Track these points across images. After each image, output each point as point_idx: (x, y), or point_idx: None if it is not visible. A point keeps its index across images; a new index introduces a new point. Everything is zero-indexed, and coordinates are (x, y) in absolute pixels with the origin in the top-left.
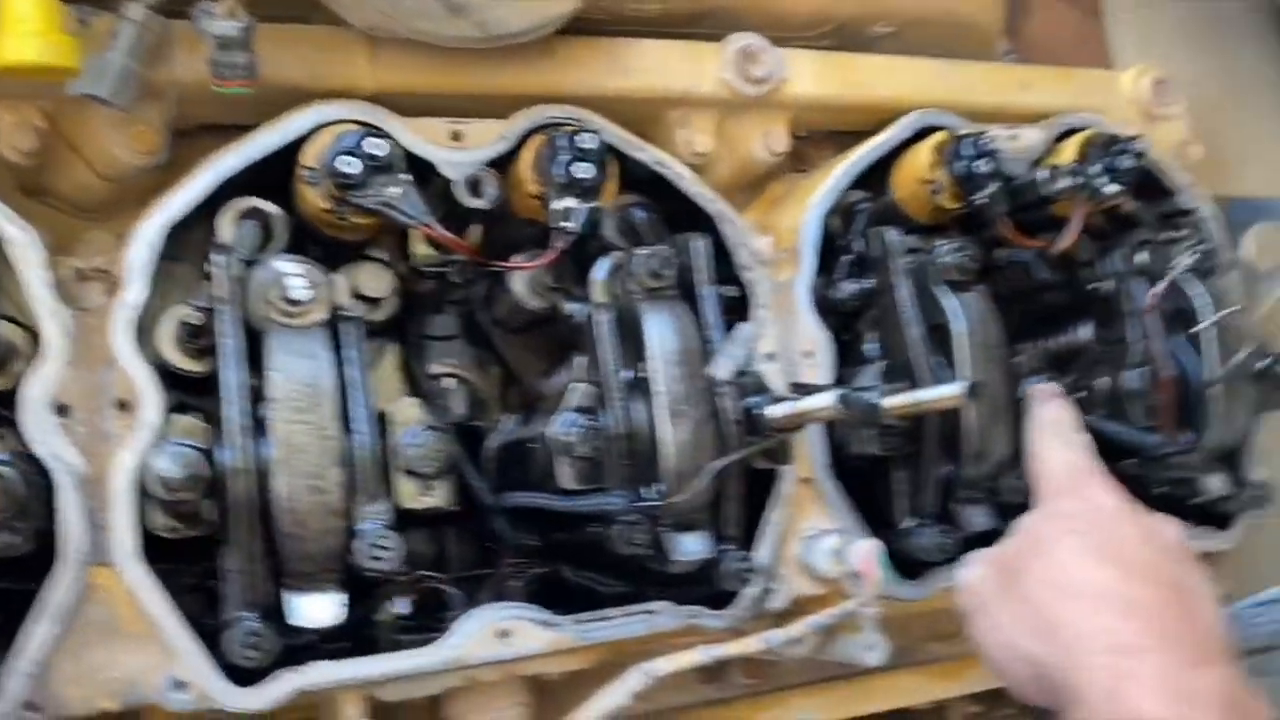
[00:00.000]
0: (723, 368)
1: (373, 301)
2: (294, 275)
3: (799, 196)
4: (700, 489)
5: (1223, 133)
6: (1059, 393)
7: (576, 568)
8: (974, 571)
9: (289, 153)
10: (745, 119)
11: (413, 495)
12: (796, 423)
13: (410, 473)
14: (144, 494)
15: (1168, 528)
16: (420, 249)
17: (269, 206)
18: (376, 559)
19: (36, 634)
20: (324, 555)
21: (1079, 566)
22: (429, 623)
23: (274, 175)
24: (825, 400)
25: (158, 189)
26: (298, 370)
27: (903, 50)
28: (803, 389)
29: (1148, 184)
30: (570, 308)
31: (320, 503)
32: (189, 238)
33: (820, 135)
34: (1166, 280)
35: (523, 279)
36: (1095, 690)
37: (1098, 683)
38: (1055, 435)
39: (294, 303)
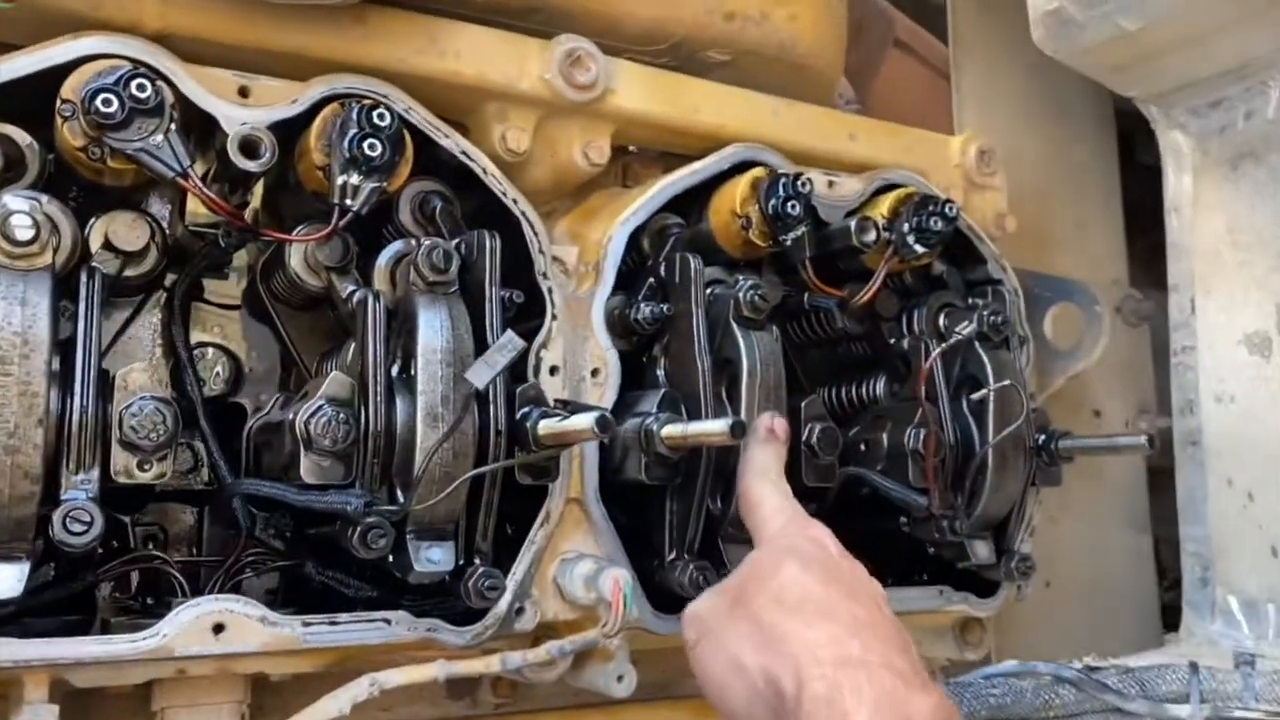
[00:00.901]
0: (480, 375)
1: (129, 255)
2: (19, 213)
3: (612, 211)
4: (447, 497)
5: (1044, 210)
6: (778, 429)
7: (322, 566)
8: (700, 602)
9: (56, 83)
10: (567, 123)
11: (126, 469)
12: (560, 440)
13: (126, 444)
14: None
15: (873, 580)
16: (195, 206)
17: (19, 135)
18: (71, 533)
19: None
20: (13, 522)
21: (804, 584)
22: (154, 607)
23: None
24: (584, 421)
25: None
26: (8, 316)
27: (737, 82)
28: (570, 406)
29: (959, 249)
30: (347, 290)
31: (14, 464)
32: None
33: (651, 154)
34: (949, 343)
35: (299, 253)
36: (817, 701)
37: (820, 694)
38: (765, 478)
39: (16, 243)
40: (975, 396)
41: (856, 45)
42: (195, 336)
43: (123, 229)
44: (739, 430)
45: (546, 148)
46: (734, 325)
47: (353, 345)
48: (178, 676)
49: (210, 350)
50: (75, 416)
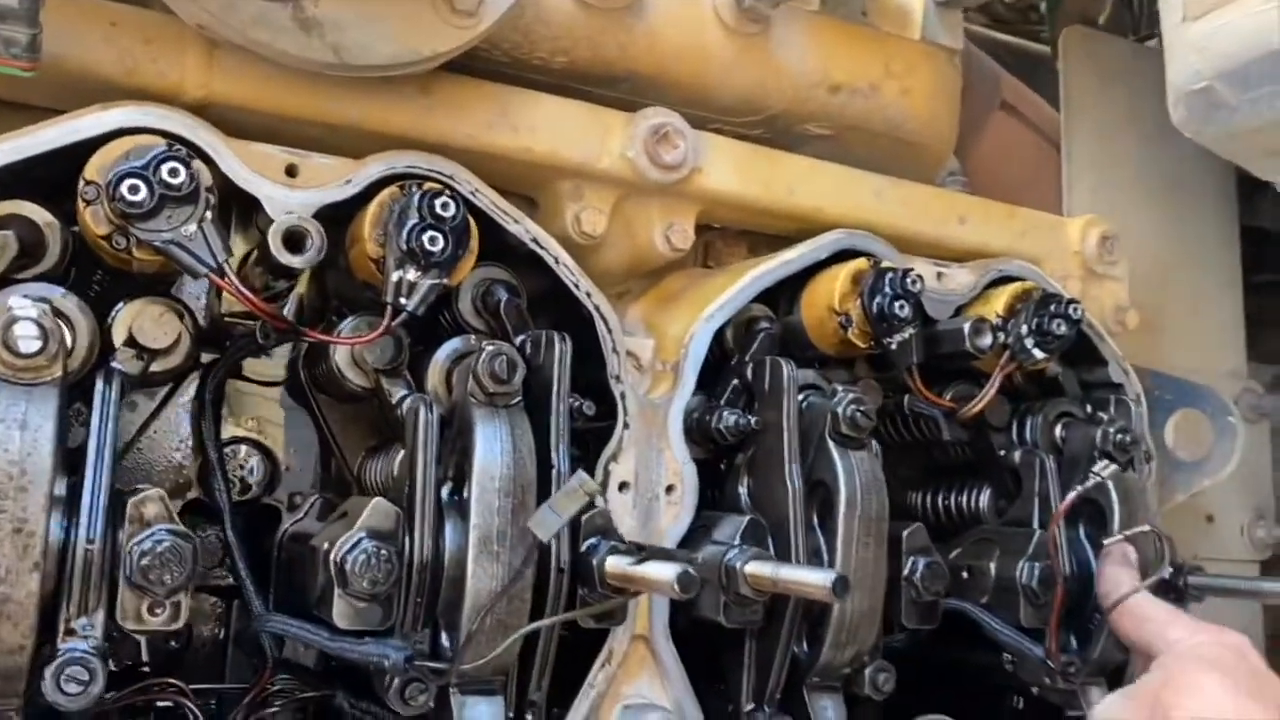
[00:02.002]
0: (546, 526)
1: (155, 353)
2: (24, 320)
3: (695, 300)
4: (499, 655)
5: (1158, 294)
6: (1130, 554)
7: (355, 697)
8: (1110, 708)
9: (83, 157)
10: (648, 204)
11: (135, 614)
12: (631, 585)
13: (136, 586)
14: None
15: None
16: (225, 297)
17: (39, 214)
18: (66, 693)
19: None
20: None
21: (1229, 698)
22: None
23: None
24: (664, 574)
25: None
26: (4, 443)
27: (836, 157)
28: (645, 551)
29: (1076, 347)
30: (398, 394)
31: (3, 614)
32: None
33: (734, 230)
34: (1087, 486)
35: (346, 350)
36: None
37: None
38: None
39: (20, 355)
40: (1109, 542)
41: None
42: (228, 430)
43: (149, 324)
44: (842, 589)
45: (624, 229)
46: (830, 443)
47: (399, 455)
48: None
49: (244, 447)
50: (79, 552)
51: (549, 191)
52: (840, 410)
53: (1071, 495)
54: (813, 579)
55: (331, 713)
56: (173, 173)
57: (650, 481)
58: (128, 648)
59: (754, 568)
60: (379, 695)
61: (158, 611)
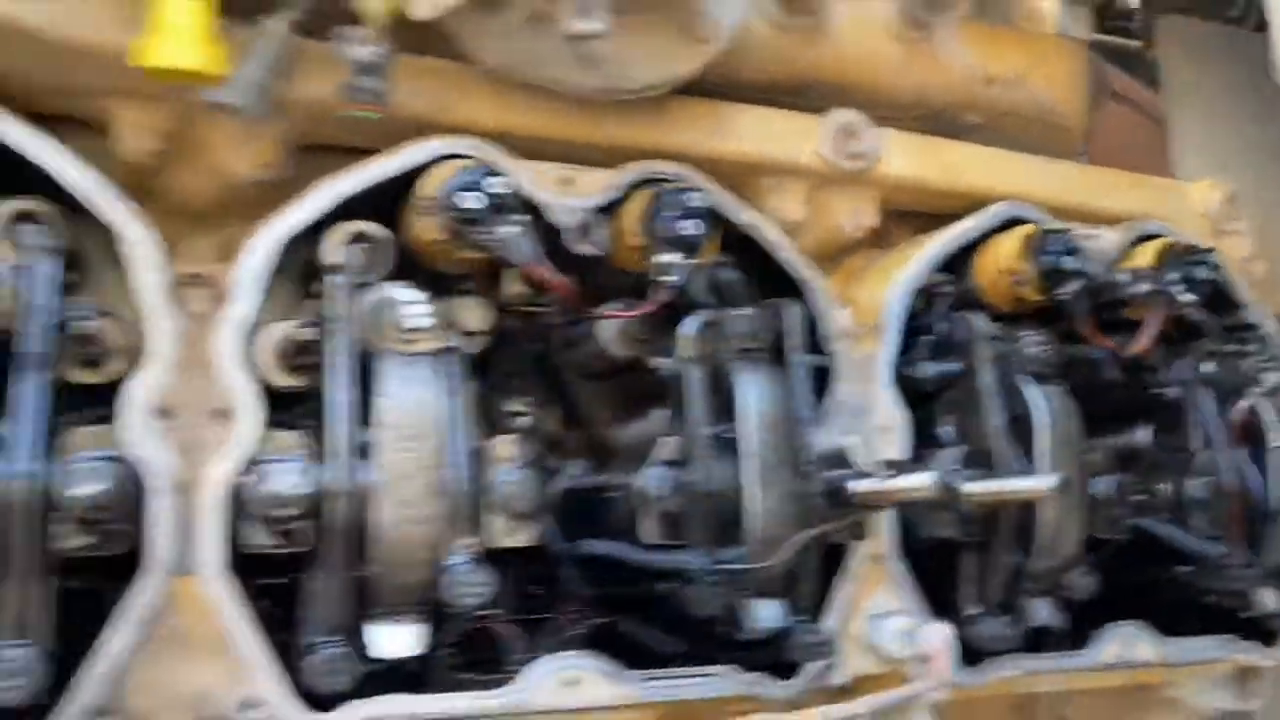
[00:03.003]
0: (828, 437)
1: (468, 335)
2: (413, 303)
3: (883, 272)
4: (786, 558)
5: (1273, 252)
6: None
7: (636, 622)
8: None
9: (399, 181)
10: (836, 193)
11: (503, 533)
12: (882, 500)
13: (503, 510)
14: (239, 507)
15: None
16: (514, 288)
17: (378, 231)
18: (465, 596)
19: (116, 640)
20: (414, 586)
21: None
22: (482, 663)
23: (379, 202)
24: (923, 480)
25: (263, 203)
26: (408, 398)
27: (990, 143)
28: (895, 466)
29: (1214, 295)
30: (658, 361)
31: (418, 533)
32: (287, 257)
33: (898, 214)
34: (1251, 400)
35: (612, 327)
36: None
37: None
38: None
39: (410, 330)
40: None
41: None
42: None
43: (469, 313)
44: (1064, 486)
45: (815, 216)
46: (1024, 380)
47: (661, 412)
48: None
49: (518, 417)
50: (459, 487)
51: (753, 187)
52: (1031, 351)
53: (1241, 405)
54: (1035, 483)
55: (610, 636)
56: (498, 185)
57: (867, 425)
58: None
59: (977, 486)
60: (659, 616)
61: (518, 532)
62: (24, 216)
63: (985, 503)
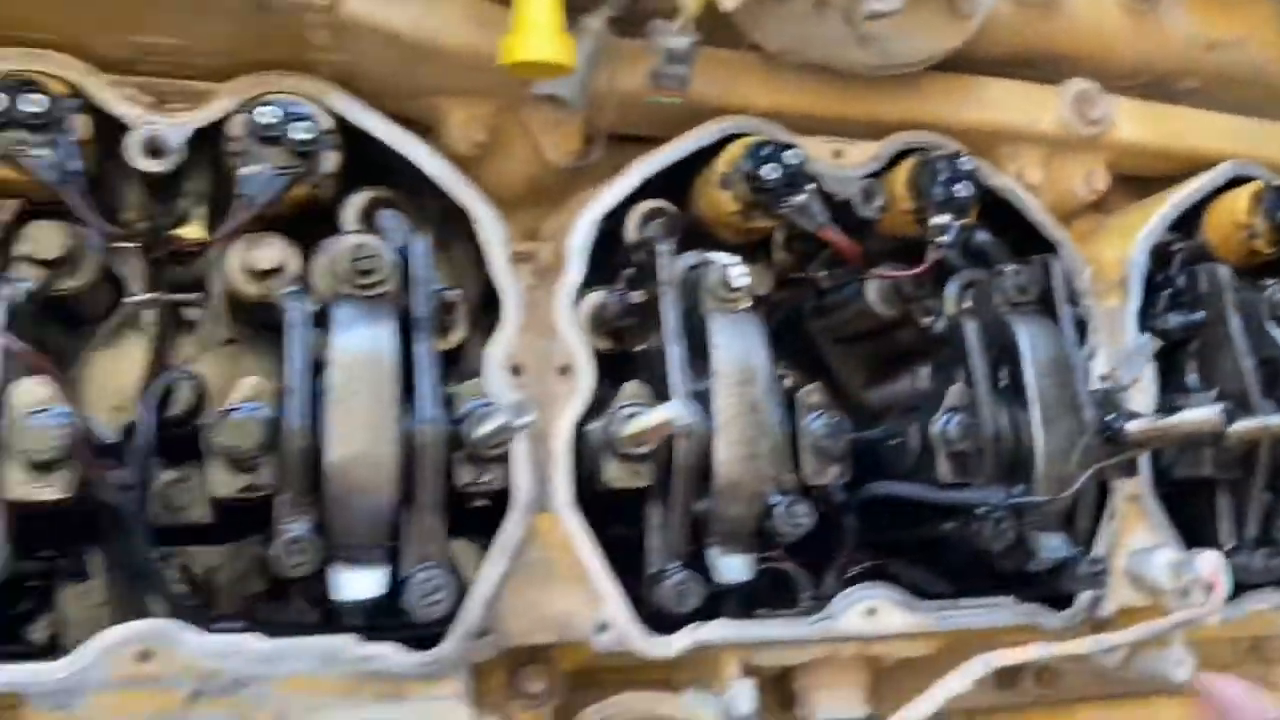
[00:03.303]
0: (1128, 374)
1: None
2: (735, 265)
3: (1118, 231)
4: (1071, 493)
5: None
6: None
7: (908, 563)
8: None
9: (685, 162)
10: (1070, 157)
11: (815, 473)
12: (1161, 438)
13: (813, 451)
14: (596, 449)
15: None
16: (780, 256)
17: (670, 207)
18: (792, 527)
19: (490, 569)
20: (749, 518)
21: None
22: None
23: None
24: (1208, 414)
25: (563, 189)
26: (736, 349)
27: (1204, 106)
28: (1172, 408)
29: None
30: (928, 319)
31: (753, 470)
32: None
33: (1117, 178)
34: None
35: (876, 288)
36: None
37: None
38: None
39: (733, 289)
40: None
41: None
42: None
43: (756, 278)
44: None
45: (1050, 180)
46: (1270, 325)
47: (924, 368)
48: (824, 658)
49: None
50: (777, 430)
51: (994, 154)
52: (1277, 297)
53: None
54: None
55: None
56: (793, 157)
57: (1117, 376)
58: None
59: (1247, 422)
60: (930, 555)
61: (825, 472)
62: (380, 202)
63: (1248, 439)
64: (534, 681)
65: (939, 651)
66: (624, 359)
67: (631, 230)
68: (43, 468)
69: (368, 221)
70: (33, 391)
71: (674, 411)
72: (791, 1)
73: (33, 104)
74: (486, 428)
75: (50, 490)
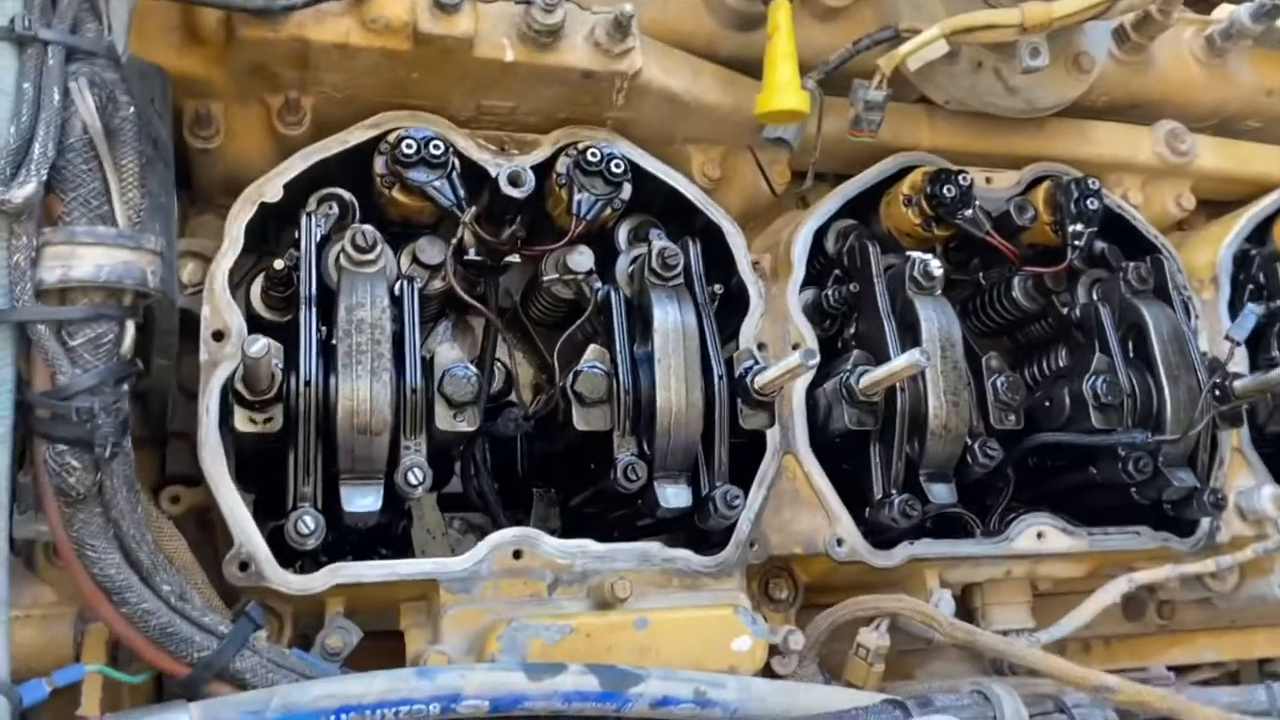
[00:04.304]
0: (1239, 333)
1: None
2: (932, 259)
3: (1207, 241)
4: (1195, 433)
5: None
6: None
7: (1053, 509)
8: None
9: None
10: (1164, 182)
11: (998, 420)
12: (1258, 390)
13: (998, 403)
14: (830, 402)
15: None
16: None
17: (856, 226)
18: (986, 459)
19: (754, 496)
20: (953, 453)
21: None
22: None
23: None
24: None
25: (769, 215)
26: (938, 322)
27: (1263, 141)
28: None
29: None
30: (1066, 308)
31: (957, 415)
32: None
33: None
34: None
35: (1021, 285)
36: None
37: None
38: None
39: (932, 277)
40: None
41: None
42: None
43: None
44: None
45: (1147, 201)
46: None
47: (1063, 348)
48: (1000, 578)
49: None
50: (970, 384)
51: (1103, 181)
52: None
53: None
54: None
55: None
56: (963, 180)
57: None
58: None
59: None
60: (1065, 499)
61: (1007, 420)
62: (646, 224)
63: None
64: (781, 590)
65: (1086, 576)
66: (829, 343)
67: (831, 242)
68: (459, 407)
69: (637, 238)
70: (448, 352)
71: (914, 357)
72: (956, 63)
73: (436, 151)
74: (769, 375)
75: (465, 424)
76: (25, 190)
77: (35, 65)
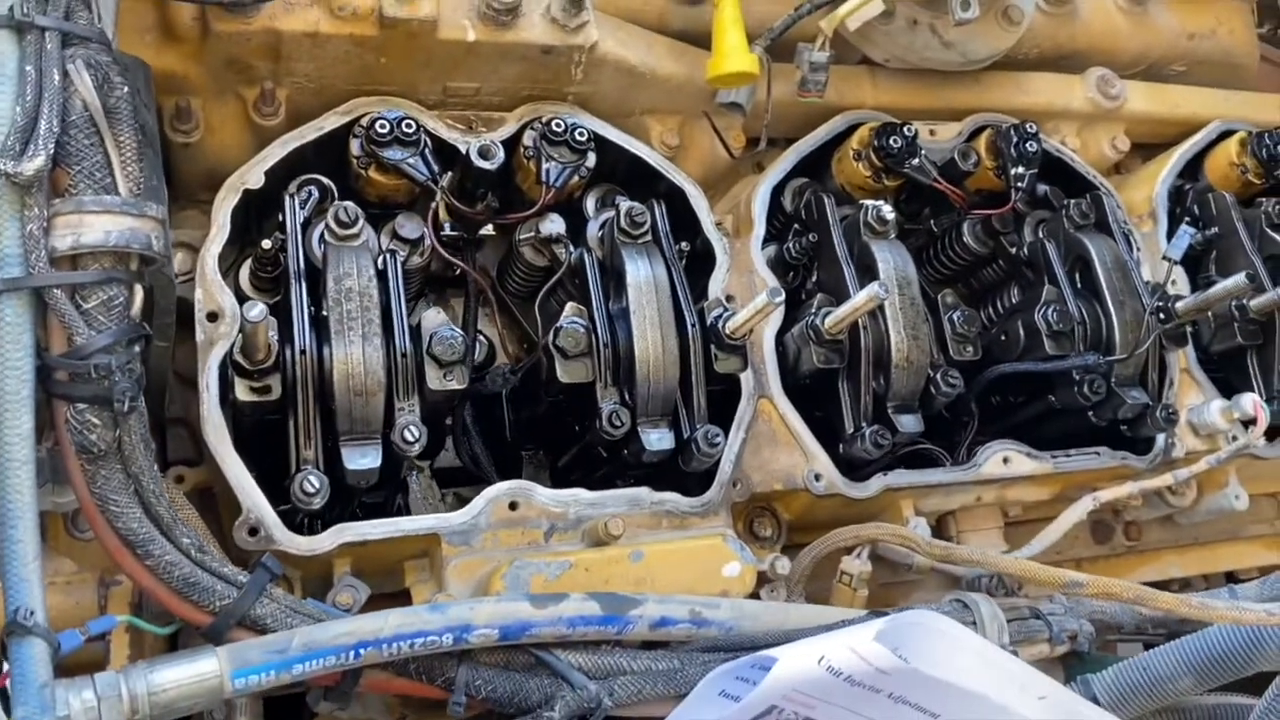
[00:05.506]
0: (1175, 253)
1: None
2: (884, 204)
3: (1143, 179)
4: (1142, 352)
5: None
6: None
7: (1015, 438)
8: None
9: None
10: (1099, 126)
11: (956, 352)
12: (1200, 308)
13: (955, 337)
14: (798, 345)
15: None
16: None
17: (810, 183)
18: (949, 387)
19: (733, 438)
20: (914, 390)
21: None
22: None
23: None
24: (1238, 280)
25: (730, 176)
26: (894, 262)
27: (1186, 83)
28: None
29: None
30: (1014, 248)
31: (918, 348)
32: None
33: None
34: None
35: (970, 228)
36: None
37: None
38: None
39: (885, 221)
40: None
41: None
42: None
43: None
44: None
45: (1084, 145)
46: (1272, 232)
47: (1015, 288)
48: (971, 505)
49: None
50: (928, 320)
51: (1040, 129)
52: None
53: None
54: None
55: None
56: (908, 131)
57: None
58: None
59: (1261, 299)
60: (1026, 427)
61: (964, 352)
62: (611, 192)
63: (1265, 311)
64: (765, 528)
65: (1053, 500)
66: (793, 295)
67: (788, 200)
68: (448, 366)
69: (604, 205)
70: (434, 317)
71: (873, 290)
72: (893, 21)
73: (408, 130)
74: (739, 318)
75: (455, 382)
76: (35, 163)
77: (35, 50)
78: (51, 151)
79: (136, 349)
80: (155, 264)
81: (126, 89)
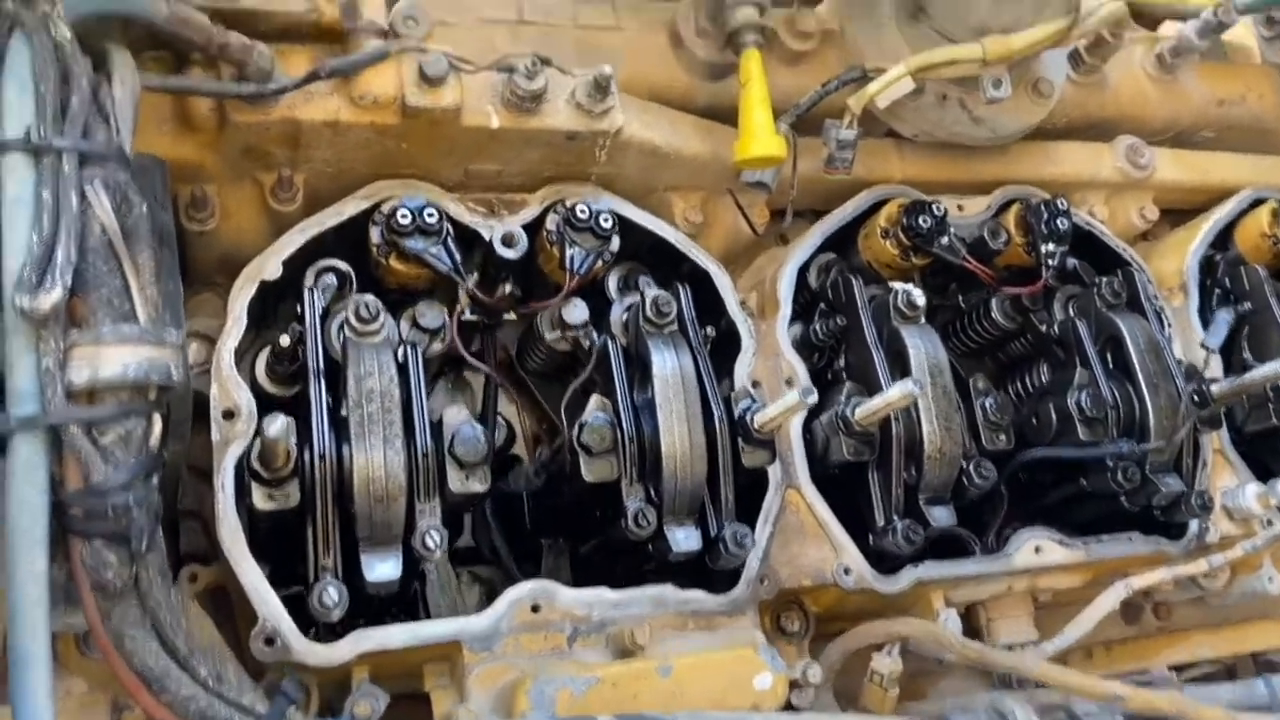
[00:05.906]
0: (1214, 341)
1: None
2: (915, 289)
3: (1173, 249)
4: (1179, 439)
5: None
6: None
7: (1046, 523)
8: None
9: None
10: (1125, 197)
11: (989, 440)
12: (1236, 393)
13: (987, 424)
14: (827, 435)
15: None
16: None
17: (836, 259)
18: (982, 480)
19: (760, 533)
20: (950, 477)
21: None
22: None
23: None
24: (1276, 367)
25: (749, 255)
26: (926, 349)
27: (1216, 148)
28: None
29: None
30: (1044, 325)
31: (950, 439)
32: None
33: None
34: None
35: (999, 305)
36: None
37: None
38: None
39: (915, 306)
40: None
41: None
42: None
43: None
44: None
45: (1112, 215)
46: None
47: (1045, 365)
48: (1002, 593)
49: None
50: (960, 410)
51: (1069, 199)
52: None
53: None
54: None
55: None
56: (937, 211)
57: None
58: None
59: None
60: (1059, 512)
61: (997, 441)
62: (634, 271)
63: None
64: (793, 622)
65: (1084, 585)
66: (819, 375)
67: (814, 276)
68: (470, 468)
69: (627, 286)
70: (455, 414)
71: (907, 388)
72: (922, 97)
73: (430, 219)
74: (768, 413)
75: (477, 484)
76: (52, 297)
77: (52, 173)
78: (69, 283)
79: (154, 480)
80: (174, 391)
81: (144, 206)
